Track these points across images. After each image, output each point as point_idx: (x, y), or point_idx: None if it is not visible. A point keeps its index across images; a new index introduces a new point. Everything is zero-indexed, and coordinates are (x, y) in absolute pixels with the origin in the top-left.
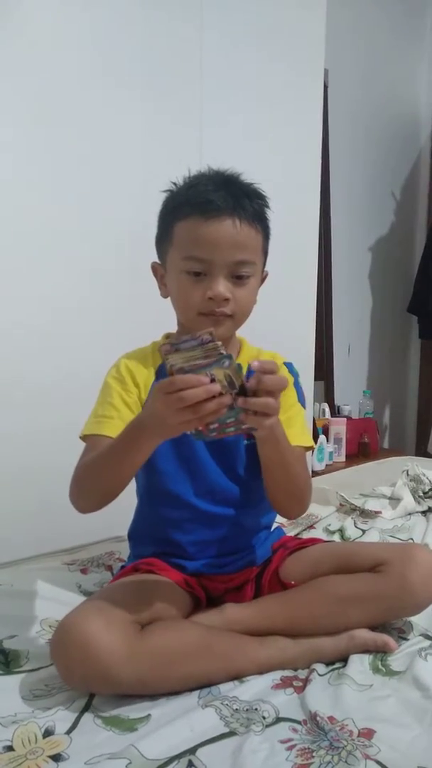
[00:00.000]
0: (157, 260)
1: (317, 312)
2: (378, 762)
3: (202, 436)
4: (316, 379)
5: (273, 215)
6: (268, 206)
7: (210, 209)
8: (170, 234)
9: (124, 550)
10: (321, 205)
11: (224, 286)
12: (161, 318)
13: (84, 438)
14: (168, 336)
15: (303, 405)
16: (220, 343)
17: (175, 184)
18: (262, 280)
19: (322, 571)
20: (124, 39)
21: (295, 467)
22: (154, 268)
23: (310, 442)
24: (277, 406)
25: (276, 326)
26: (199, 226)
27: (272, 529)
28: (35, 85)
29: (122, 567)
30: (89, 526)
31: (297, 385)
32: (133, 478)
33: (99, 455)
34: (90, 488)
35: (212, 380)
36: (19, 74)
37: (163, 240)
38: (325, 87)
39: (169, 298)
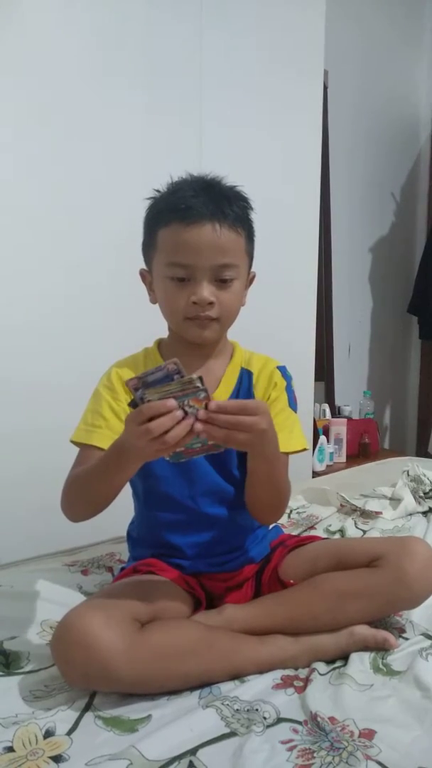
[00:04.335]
0: (144, 267)
1: (317, 312)
2: (379, 763)
3: (179, 458)
4: (316, 379)
5: (273, 216)
6: (251, 208)
7: (190, 215)
8: (154, 241)
9: (124, 551)
10: (321, 206)
11: (208, 290)
12: (160, 318)
13: (74, 443)
14: (159, 342)
15: (294, 409)
16: (195, 376)
17: (157, 191)
18: (250, 281)
19: (321, 568)
20: (125, 39)
21: (280, 482)
22: (142, 274)
23: (300, 446)
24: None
25: (276, 327)
26: (181, 232)
27: (270, 528)
28: (35, 85)
29: (122, 569)
30: (90, 528)
31: (289, 390)
32: (130, 482)
33: (87, 471)
34: (79, 501)
35: (184, 409)
36: (19, 74)
37: (148, 247)
38: (325, 88)
39: (157, 304)
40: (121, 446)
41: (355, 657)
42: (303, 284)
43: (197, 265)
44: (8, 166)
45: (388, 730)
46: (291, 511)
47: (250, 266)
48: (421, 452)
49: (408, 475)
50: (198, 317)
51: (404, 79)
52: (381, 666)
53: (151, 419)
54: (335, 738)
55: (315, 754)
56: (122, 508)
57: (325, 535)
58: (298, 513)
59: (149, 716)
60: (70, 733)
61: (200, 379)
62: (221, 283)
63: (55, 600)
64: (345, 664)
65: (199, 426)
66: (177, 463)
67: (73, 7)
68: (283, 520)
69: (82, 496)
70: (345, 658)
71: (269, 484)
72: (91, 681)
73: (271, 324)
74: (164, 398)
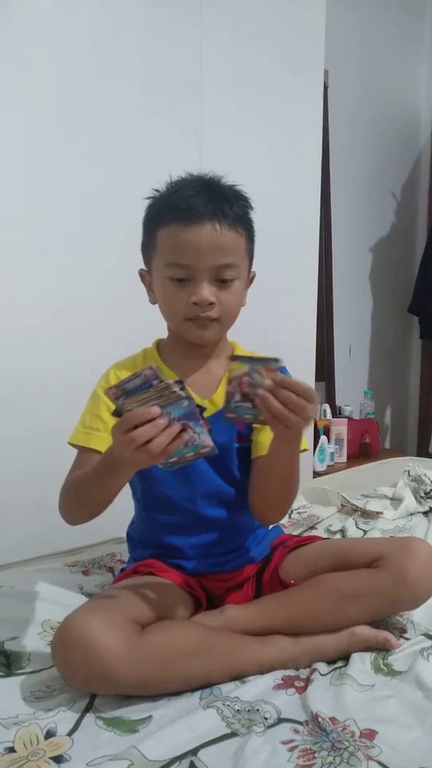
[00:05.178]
0: (144, 267)
1: (318, 313)
2: (380, 763)
3: (169, 466)
4: (317, 379)
5: (273, 216)
6: (251, 207)
7: (190, 215)
8: (154, 241)
9: (125, 551)
10: (321, 206)
11: (208, 290)
12: (160, 319)
13: (72, 445)
14: (158, 343)
15: None
16: (171, 381)
17: (157, 190)
18: (250, 281)
19: (321, 568)
20: (125, 40)
21: (294, 481)
22: (142, 274)
23: (303, 446)
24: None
25: (277, 327)
26: (180, 232)
27: (270, 528)
28: (35, 85)
29: (122, 570)
30: (91, 528)
31: None
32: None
33: (83, 476)
34: (76, 505)
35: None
36: (20, 75)
37: (147, 247)
38: (325, 88)
39: (157, 304)
40: (112, 455)
41: (356, 657)
42: (303, 284)
43: (197, 265)
44: (8, 166)
45: (389, 730)
46: (291, 511)
47: (250, 266)
48: (422, 452)
49: (409, 475)
50: (198, 318)
51: (405, 79)
52: (382, 666)
53: (136, 427)
54: (336, 738)
55: (316, 755)
56: (122, 509)
57: (325, 535)
58: (298, 513)
59: (150, 717)
60: (71, 733)
61: (179, 382)
62: (221, 283)
63: (56, 600)
64: (346, 665)
65: (262, 392)
66: (171, 469)
67: (73, 7)
68: (284, 520)
69: (79, 500)
70: (346, 658)
71: (288, 483)
72: (91, 683)
73: (271, 324)
74: (144, 407)
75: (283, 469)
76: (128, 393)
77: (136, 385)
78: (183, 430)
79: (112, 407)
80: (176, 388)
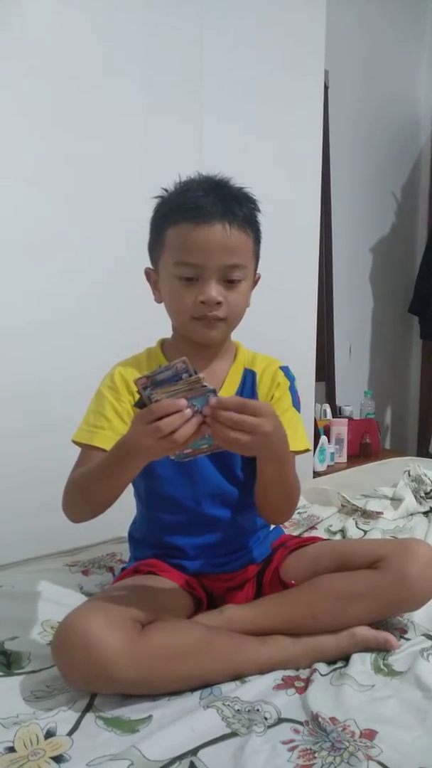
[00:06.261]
0: (150, 266)
1: (318, 313)
2: (380, 763)
3: (182, 457)
4: (317, 380)
5: (273, 216)
6: (258, 210)
7: (200, 215)
8: (162, 240)
9: (125, 551)
10: (321, 206)
11: (216, 290)
12: (161, 318)
13: (76, 444)
14: (162, 342)
15: (298, 409)
16: (202, 375)
17: (165, 190)
18: (255, 282)
19: (322, 569)
20: (124, 39)
21: (290, 483)
22: (148, 273)
23: (304, 446)
24: (253, 423)
25: (277, 327)
26: (190, 231)
27: (271, 528)
28: (36, 85)
29: (123, 569)
30: (91, 528)
31: (292, 390)
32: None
33: (89, 471)
34: (81, 502)
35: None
36: (19, 74)
37: (155, 246)
38: (326, 88)
39: (162, 303)
40: (126, 446)
41: (356, 657)
42: (304, 284)
43: (206, 264)
44: (8, 166)
45: (389, 730)
46: None
47: (256, 267)
48: (422, 452)
49: (409, 475)
50: (205, 317)
51: (405, 78)
52: (382, 666)
53: (160, 418)
54: (336, 738)
55: (316, 755)
56: (124, 509)
57: (326, 536)
58: (299, 513)
59: (150, 717)
60: (71, 733)
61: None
62: (229, 283)
63: (56, 600)
64: (346, 665)
65: (210, 419)
66: (181, 462)
67: (73, 6)
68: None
69: (84, 497)
70: (346, 658)
71: (279, 486)
72: (92, 682)
73: (272, 324)
74: (172, 397)
75: (271, 474)
76: (157, 384)
77: (167, 377)
78: (203, 422)
79: (117, 406)
80: (205, 382)
